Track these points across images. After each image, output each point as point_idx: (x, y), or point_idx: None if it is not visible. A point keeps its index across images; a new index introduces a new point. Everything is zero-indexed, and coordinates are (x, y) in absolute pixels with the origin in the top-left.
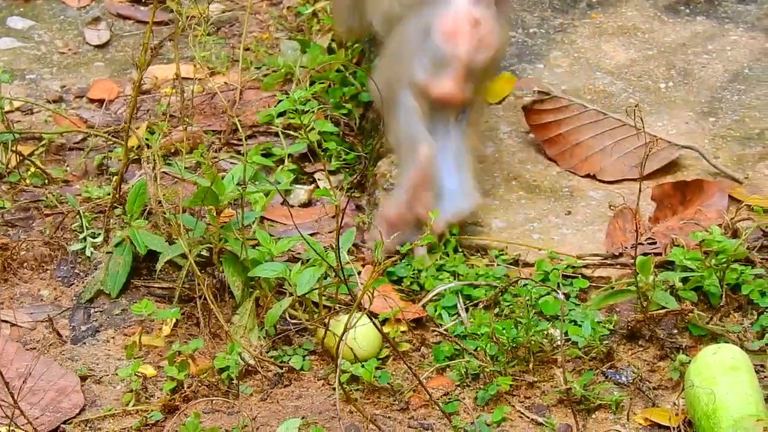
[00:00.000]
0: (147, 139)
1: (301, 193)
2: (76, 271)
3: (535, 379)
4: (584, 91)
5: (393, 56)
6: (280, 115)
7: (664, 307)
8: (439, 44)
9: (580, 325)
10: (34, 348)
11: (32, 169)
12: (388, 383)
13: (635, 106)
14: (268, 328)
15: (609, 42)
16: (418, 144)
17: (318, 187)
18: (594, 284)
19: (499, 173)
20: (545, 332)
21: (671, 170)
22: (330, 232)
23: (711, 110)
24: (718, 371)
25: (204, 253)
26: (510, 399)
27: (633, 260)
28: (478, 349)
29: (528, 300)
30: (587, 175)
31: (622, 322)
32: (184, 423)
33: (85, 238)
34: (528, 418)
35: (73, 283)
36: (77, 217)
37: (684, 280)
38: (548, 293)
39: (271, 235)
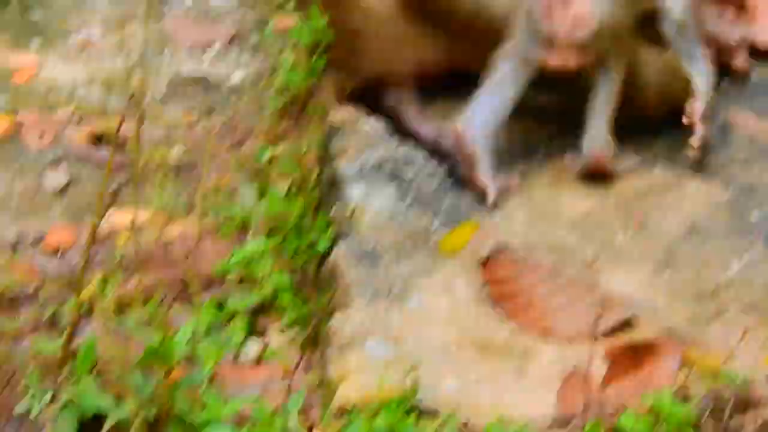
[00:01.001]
0: (100, 290)
1: (253, 349)
2: None
3: None
4: (541, 244)
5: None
6: (236, 265)
7: None
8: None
9: None
10: None
11: None
12: None
13: (591, 262)
14: None
15: (567, 191)
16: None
17: (270, 343)
18: None
19: (452, 329)
20: None
21: (626, 328)
22: (282, 391)
23: (667, 264)
24: None
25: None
26: None
27: (584, 425)
28: None
29: None
30: (542, 333)
31: None
32: None
33: (32, 398)
34: None
35: None
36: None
37: None
38: None
39: (221, 395)
